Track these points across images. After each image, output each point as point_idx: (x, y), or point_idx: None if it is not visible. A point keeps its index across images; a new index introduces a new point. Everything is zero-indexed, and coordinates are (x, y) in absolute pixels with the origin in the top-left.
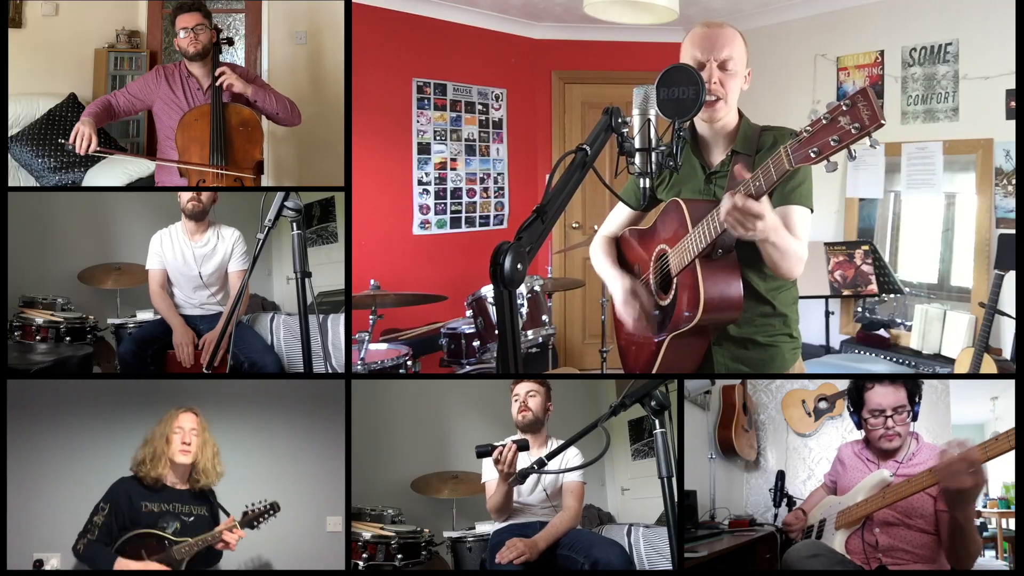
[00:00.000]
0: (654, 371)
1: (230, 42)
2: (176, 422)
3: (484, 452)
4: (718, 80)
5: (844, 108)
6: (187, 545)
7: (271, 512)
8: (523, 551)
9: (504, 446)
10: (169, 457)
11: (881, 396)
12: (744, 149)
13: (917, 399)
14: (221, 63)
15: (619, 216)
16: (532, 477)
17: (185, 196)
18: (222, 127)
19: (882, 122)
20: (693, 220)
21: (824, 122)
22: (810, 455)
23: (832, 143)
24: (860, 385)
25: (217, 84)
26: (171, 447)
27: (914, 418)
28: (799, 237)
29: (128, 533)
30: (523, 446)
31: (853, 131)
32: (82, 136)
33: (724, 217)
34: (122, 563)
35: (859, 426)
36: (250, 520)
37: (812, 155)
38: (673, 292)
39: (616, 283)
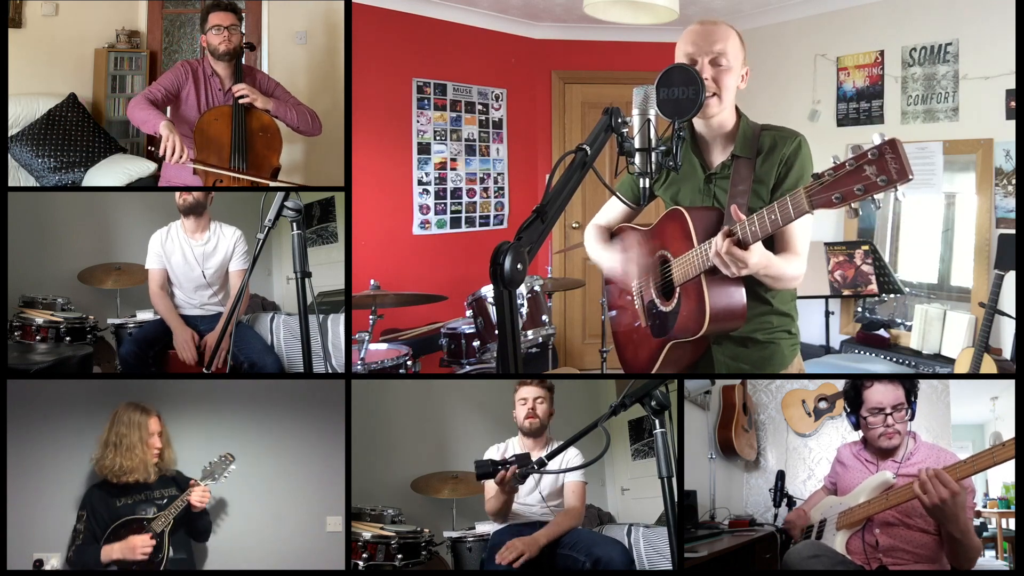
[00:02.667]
0: (655, 369)
1: (251, 47)
2: (148, 428)
3: (486, 474)
4: (710, 76)
5: (871, 157)
6: (162, 516)
7: (227, 462)
8: (522, 551)
9: (506, 469)
10: (144, 459)
11: (881, 394)
12: (744, 152)
13: (913, 398)
14: (243, 67)
15: (615, 209)
16: (531, 477)
17: (177, 192)
18: (243, 131)
19: (910, 177)
20: (697, 231)
21: (848, 168)
22: (810, 455)
23: (857, 192)
24: (858, 385)
25: (239, 103)
26: (148, 453)
27: (911, 417)
28: (797, 250)
29: (110, 527)
30: (524, 463)
31: (880, 183)
32: (175, 146)
33: (712, 257)
34: (106, 550)
35: (856, 427)
36: (210, 474)
37: (835, 200)
38: (676, 300)
39: (609, 254)
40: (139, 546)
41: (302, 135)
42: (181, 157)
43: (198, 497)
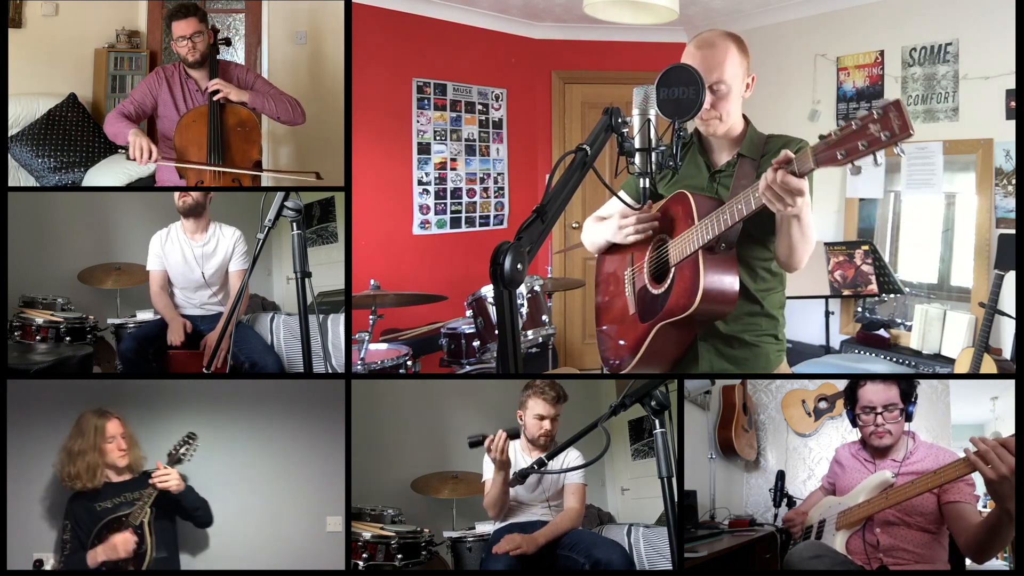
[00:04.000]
0: (638, 357)
1: (227, 42)
2: (106, 433)
3: (476, 442)
4: (709, 103)
5: (876, 116)
6: (137, 508)
7: (189, 442)
8: (519, 544)
9: (495, 435)
10: (109, 464)
11: (872, 393)
12: (750, 153)
13: (912, 399)
14: (218, 63)
15: (613, 208)
16: (533, 477)
17: (177, 195)
18: (219, 128)
19: (911, 132)
20: (700, 214)
21: (854, 127)
22: (810, 455)
23: (861, 147)
24: (855, 383)
25: (213, 100)
26: (109, 456)
27: (908, 418)
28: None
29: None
30: (514, 435)
31: (883, 138)
32: (142, 148)
33: (763, 191)
34: (92, 555)
35: (854, 423)
36: (175, 459)
37: (839, 156)
38: (670, 281)
39: (606, 227)
40: (120, 545)
41: (285, 125)
42: (151, 156)
43: (165, 481)
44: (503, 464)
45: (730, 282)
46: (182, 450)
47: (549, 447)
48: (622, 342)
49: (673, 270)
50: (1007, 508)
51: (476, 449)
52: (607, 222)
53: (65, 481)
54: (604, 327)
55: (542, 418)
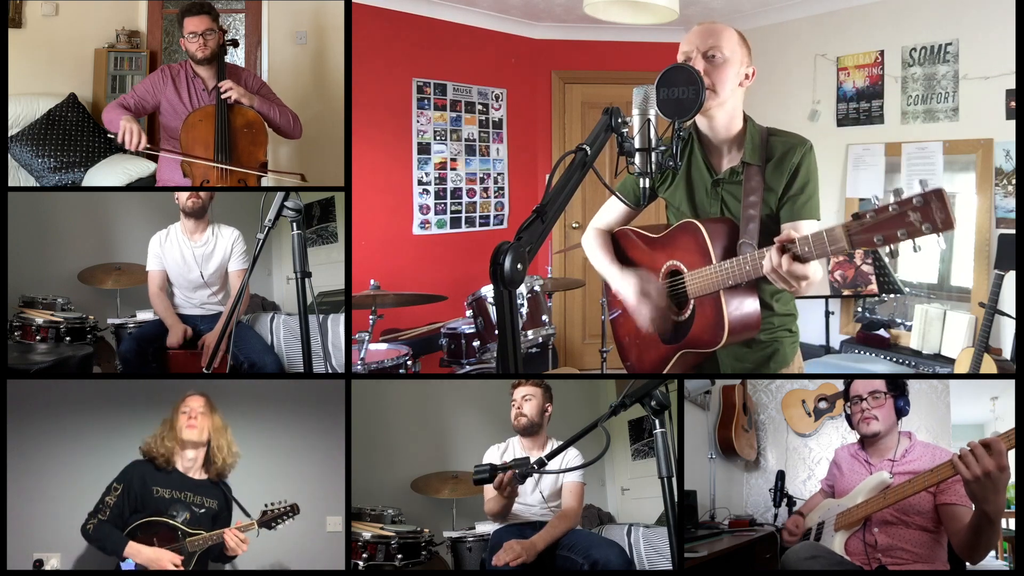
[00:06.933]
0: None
1: (235, 44)
2: (183, 404)
3: (482, 479)
4: (703, 70)
5: (915, 204)
6: (201, 539)
7: (290, 514)
8: (520, 553)
9: (504, 474)
10: (177, 434)
11: (859, 385)
12: (754, 159)
13: (904, 394)
14: (226, 66)
15: (614, 211)
16: (532, 478)
17: (184, 195)
18: (226, 128)
19: (954, 227)
20: (715, 246)
21: (892, 212)
22: (810, 455)
23: (900, 236)
24: (850, 383)
25: (222, 99)
26: (179, 424)
27: (898, 413)
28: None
29: (139, 517)
30: (525, 473)
31: (924, 230)
32: (131, 132)
33: (768, 273)
34: (133, 547)
35: (851, 424)
36: (268, 520)
37: (876, 241)
38: (690, 312)
39: (624, 282)
40: (167, 562)
41: (282, 136)
42: (139, 143)
43: (235, 543)
44: (511, 495)
45: (753, 309)
46: (278, 518)
47: (533, 432)
48: (644, 357)
49: (692, 301)
50: (984, 509)
51: (477, 451)
52: (625, 286)
53: (143, 447)
54: (623, 338)
55: (514, 402)
